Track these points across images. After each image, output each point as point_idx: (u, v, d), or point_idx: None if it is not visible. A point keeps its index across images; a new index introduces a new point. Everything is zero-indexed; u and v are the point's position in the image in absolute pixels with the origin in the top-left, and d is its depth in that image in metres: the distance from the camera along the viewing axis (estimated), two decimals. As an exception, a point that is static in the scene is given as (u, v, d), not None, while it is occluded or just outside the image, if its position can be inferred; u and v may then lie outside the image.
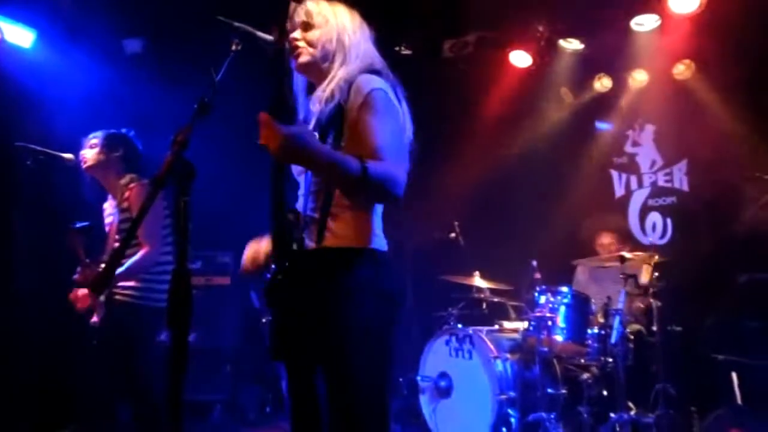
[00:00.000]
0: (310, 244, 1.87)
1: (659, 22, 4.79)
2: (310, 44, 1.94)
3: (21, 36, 4.47)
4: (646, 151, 5.42)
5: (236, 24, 1.80)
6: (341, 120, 1.85)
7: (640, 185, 5.43)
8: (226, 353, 5.21)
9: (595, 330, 3.98)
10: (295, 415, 1.97)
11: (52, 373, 4.30)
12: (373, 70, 1.92)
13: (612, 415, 3.74)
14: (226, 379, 5.20)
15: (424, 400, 4.46)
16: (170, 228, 3.30)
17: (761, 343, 3.88)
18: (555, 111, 5.65)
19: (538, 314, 4.06)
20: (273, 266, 1.90)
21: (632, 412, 3.83)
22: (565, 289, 4.16)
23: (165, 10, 4.70)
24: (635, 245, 4.81)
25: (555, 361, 4.03)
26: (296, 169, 2.00)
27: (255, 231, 2.14)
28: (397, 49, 5.21)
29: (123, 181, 3.29)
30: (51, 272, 3.17)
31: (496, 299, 4.78)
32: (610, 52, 5.18)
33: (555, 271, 4.54)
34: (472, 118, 5.57)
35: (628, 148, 5.51)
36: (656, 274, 3.96)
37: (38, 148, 3.24)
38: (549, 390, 3.95)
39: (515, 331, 4.49)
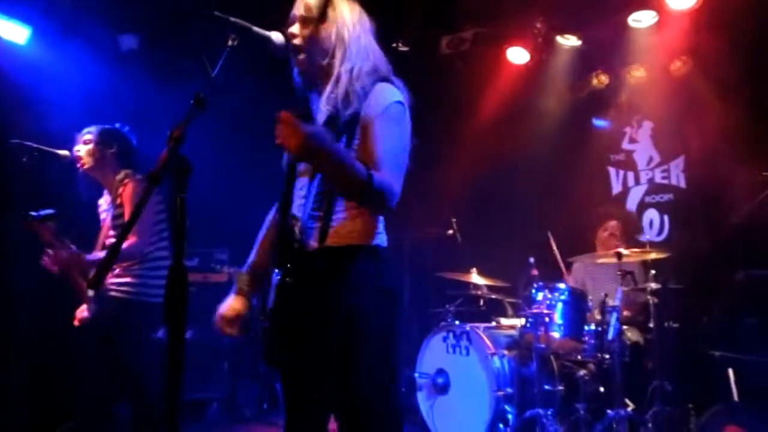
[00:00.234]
0: (313, 243, 1.85)
1: (657, 19, 4.79)
2: (308, 39, 1.91)
3: (16, 33, 4.46)
4: (643, 147, 5.42)
5: (232, 19, 1.79)
6: (356, 126, 1.85)
7: (638, 182, 5.43)
8: (223, 351, 5.20)
9: (592, 327, 3.97)
10: (290, 419, 1.95)
11: (49, 371, 4.29)
12: (383, 78, 1.91)
13: (609, 411, 3.73)
14: (223, 376, 5.20)
15: (421, 396, 4.46)
16: (165, 223, 3.29)
17: (758, 339, 3.88)
18: (552, 107, 5.64)
19: (535, 311, 4.06)
20: (276, 270, 1.88)
21: (629, 409, 3.83)
22: (562, 285, 4.17)
23: (160, 6, 4.69)
24: (638, 233, 4.76)
25: (552, 357, 4.03)
26: (300, 169, 1.97)
27: (252, 228, 2.13)
28: (394, 45, 5.20)
29: (118, 177, 3.28)
30: (46, 270, 3.16)
31: (493, 296, 4.79)
32: (608, 49, 5.18)
33: (552, 268, 4.54)
34: (468, 114, 5.57)
35: (626, 145, 5.51)
36: (653, 271, 3.96)
37: (33, 145, 3.23)
38: (546, 386, 3.95)
39: (512, 327, 4.49)
